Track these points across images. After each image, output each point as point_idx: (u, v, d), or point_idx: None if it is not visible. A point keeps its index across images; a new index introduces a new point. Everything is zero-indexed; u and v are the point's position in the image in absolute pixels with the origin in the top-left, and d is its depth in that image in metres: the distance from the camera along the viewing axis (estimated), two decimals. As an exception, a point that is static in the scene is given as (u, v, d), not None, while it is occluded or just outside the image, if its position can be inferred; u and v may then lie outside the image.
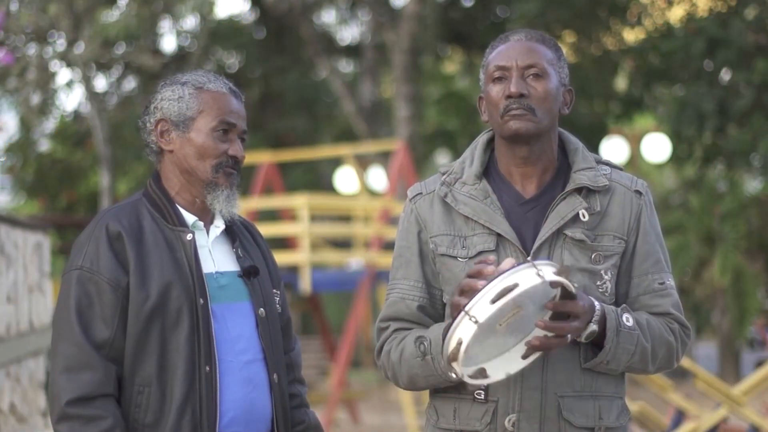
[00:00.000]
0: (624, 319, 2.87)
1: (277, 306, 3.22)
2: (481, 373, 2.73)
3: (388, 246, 13.51)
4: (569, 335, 2.74)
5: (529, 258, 2.86)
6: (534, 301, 2.69)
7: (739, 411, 7.86)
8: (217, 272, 3.10)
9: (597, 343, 2.87)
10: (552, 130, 2.98)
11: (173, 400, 2.98)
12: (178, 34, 20.26)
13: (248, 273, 3.14)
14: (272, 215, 16.05)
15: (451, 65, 24.83)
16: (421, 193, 3.04)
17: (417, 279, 2.99)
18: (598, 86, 18.93)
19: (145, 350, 2.99)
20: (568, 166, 3.00)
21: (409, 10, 18.96)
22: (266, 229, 11.26)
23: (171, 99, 3.12)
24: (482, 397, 2.89)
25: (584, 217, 2.93)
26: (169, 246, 3.05)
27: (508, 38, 2.99)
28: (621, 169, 3.07)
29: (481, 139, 3.06)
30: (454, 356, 2.67)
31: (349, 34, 25.04)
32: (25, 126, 20.11)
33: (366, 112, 20.13)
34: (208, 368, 3.00)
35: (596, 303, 2.83)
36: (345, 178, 20.49)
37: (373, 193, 19.04)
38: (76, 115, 19.71)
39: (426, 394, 3.05)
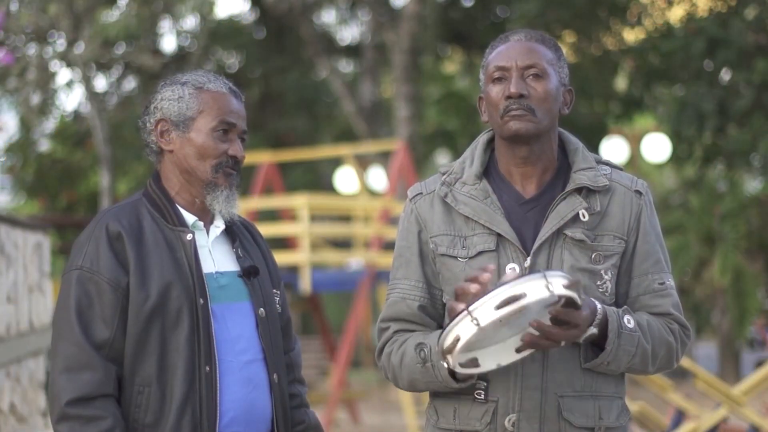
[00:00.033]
0: (625, 320, 2.87)
1: (277, 306, 3.21)
2: (473, 362, 2.73)
3: (388, 246, 13.51)
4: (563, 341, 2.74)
5: (529, 259, 2.87)
6: (539, 305, 2.69)
7: (739, 411, 7.86)
8: (217, 272, 3.10)
9: (598, 343, 2.87)
10: (552, 131, 2.98)
11: (173, 400, 2.98)
12: (178, 34, 20.26)
13: (248, 273, 3.14)
14: (272, 215, 16.04)
15: (451, 65, 24.82)
16: (421, 193, 3.04)
17: (417, 279, 2.99)
18: (598, 86, 18.93)
19: (145, 350, 2.99)
20: (568, 166, 3.00)
21: (409, 10, 18.95)
22: (266, 229, 11.25)
23: (171, 99, 3.12)
24: (482, 397, 2.89)
25: (584, 217, 2.94)
26: (169, 246, 3.05)
27: (508, 38, 2.99)
28: (621, 169, 3.07)
29: (481, 139, 3.06)
30: (449, 351, 2.68)
31: (349, 34, 25.05)
32: (25, 126, 20.10)
33: (366, 112, 20.12)
34: (208, 368, 3.00)
35: (598, 305, 2.83)
36: (345, 178, 20.48)
37: (373, 193, 19.04)
38: (76, 115, 19.71)
39: (426, 394, 3.06)
